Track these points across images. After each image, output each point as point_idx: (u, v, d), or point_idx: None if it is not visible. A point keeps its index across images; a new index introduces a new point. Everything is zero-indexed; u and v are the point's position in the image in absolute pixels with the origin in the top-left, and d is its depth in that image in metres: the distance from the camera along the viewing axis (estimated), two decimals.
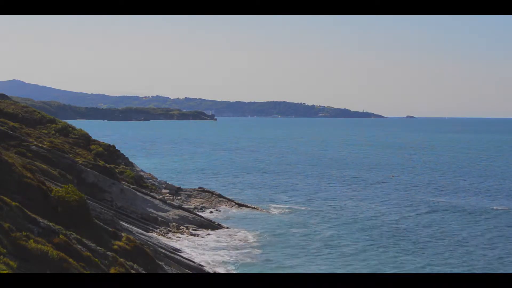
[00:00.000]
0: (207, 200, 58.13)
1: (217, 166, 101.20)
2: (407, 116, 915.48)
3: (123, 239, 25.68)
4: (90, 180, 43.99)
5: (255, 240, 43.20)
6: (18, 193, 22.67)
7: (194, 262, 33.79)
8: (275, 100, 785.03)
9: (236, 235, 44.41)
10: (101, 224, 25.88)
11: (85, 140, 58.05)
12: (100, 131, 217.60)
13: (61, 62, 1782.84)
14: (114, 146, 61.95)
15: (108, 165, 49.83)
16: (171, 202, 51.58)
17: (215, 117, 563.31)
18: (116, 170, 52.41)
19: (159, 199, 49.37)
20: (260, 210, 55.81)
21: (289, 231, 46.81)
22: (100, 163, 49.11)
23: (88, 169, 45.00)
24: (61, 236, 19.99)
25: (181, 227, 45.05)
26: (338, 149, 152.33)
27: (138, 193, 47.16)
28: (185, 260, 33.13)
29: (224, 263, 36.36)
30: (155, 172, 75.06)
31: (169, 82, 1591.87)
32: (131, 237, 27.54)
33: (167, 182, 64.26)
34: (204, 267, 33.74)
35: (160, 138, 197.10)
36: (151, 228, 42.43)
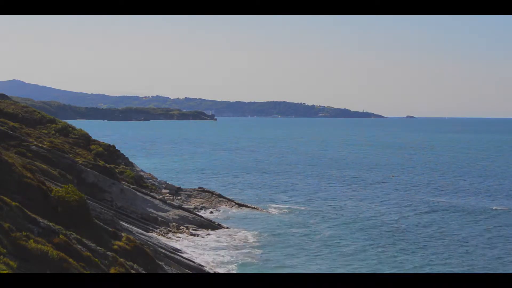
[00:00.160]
0: (207, 200, 58.13)
1: (217, 166, 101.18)
2: (407, 116, 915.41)
3: (123, 239, 25.69)
4: (90, 180, 43.99)
5: (255, 240, 43.21)
6: (18, 193, 22.67)
7: (194, 262, 33.79)
8: (275, 100, 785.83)
9: (236, 235, 44.42)
10: (101, 224, 25.88)
11: (85, 140, 58.06)
12: (100, 131, 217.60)
13: (61, 62, 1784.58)
14: (114, 146, 61.96)
15: (108, 165, 49.84)
16: (171, 202, 51.57)
17: (215, 117, 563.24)
18: (116, 170, 52.42)
19: (159, 199, 49.37)
20: (260, 210, 55.82)
21: (289, 231, 46.82)
22: (100, 163, 49.11)
23: (88, 169, 45.00)
24: (61, 236, 19.99)
25: (181, 227, 45.05)
26: (338, 149, 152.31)
27: (138, 193, 47.16)
28: (185, 260, 33.14)
29: (224, 263, 36.36)
30: (155, 172, 75.06)
31: (169, 82, 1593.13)
32: (131, 237, 27.54)
33: (167, 182, 64.28)
34: (204, 267, 33.74)
35: (160, 138, 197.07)
36: (151, 228, 42.43)
